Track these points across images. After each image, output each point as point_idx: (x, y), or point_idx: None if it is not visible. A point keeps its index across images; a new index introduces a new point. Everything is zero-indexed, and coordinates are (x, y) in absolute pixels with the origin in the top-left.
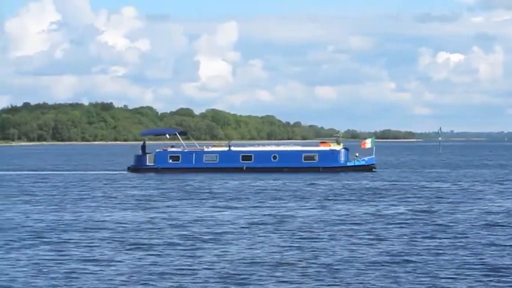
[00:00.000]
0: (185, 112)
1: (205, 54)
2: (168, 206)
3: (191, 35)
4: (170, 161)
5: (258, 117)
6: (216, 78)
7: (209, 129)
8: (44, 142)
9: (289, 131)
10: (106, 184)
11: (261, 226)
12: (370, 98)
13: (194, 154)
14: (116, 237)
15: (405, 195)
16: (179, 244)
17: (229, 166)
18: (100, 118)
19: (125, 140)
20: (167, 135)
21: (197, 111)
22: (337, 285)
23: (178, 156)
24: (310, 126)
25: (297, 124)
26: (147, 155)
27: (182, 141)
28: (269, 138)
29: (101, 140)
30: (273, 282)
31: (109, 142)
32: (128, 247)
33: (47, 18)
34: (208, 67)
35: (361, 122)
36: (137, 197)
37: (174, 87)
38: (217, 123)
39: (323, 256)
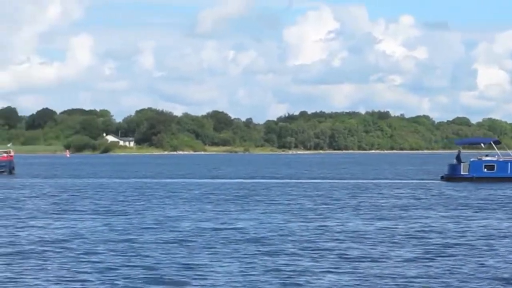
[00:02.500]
0: (462, 121)
1: (482, 62)
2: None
3: (468, 43)
4: (485, 170)
5: None
6: (493, 86)
7: None
8: (320, 151)
9: None
10: (410, 193)
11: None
12: None
13: (509, 164)
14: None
15: None
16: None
17: None
18: (376, 127)
19: (401, 149)
20: (482, 144)
21: (473, 120)
22: None
23: (493, 165)
24: None
25: None
26: (462, 164)
27: (497, 150)
28: None
29: (377, 149)
30: None
31: (385, 151)
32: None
33: (325, 27)
34: (486, 75)
35: None
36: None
37: (451, 95)
38: (493, 132)
39: None
